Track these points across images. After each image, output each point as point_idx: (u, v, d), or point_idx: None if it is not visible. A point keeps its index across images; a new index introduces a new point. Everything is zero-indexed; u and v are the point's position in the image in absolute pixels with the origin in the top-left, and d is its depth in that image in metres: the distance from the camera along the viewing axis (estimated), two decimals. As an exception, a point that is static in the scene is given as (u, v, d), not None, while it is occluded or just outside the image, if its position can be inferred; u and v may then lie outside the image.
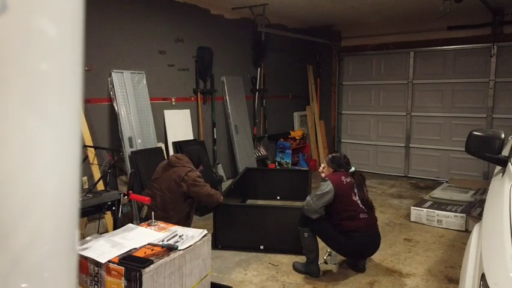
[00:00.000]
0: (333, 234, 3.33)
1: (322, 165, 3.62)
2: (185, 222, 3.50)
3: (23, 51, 0.54)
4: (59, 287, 0.61)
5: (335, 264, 3.63)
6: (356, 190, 3.33)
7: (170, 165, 3.60)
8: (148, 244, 2.42)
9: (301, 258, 3.58)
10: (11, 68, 0.54)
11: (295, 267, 3.53)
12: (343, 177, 3.34)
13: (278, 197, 5.52)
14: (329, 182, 3.29)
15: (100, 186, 3.77)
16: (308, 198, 3.39)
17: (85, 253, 2.27)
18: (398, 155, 7.37)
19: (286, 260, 3.71)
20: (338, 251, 3.46)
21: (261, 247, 3.92)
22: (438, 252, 3.92)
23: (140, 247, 2.37)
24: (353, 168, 3.45)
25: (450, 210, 4.62)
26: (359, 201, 3.30)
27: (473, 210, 4.59)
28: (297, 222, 3.46)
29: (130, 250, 2.33)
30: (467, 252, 1.85)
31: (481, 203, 4.66)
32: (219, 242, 3.96)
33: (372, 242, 3.38)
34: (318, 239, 3.44)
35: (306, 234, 3.39)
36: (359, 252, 3.41)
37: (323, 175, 3.51)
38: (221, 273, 3.45)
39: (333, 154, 3.61)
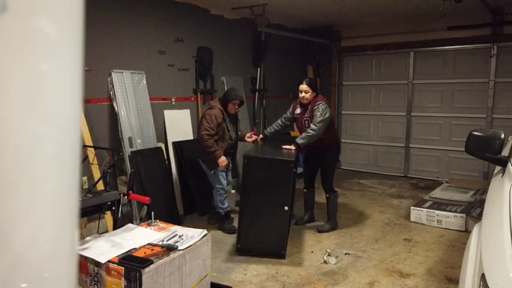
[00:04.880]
0: (334, 163, 4.54)
1: (302, 94, 4.30)
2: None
3: (23, 51, 0.54)
4: (59, 287, 0.61)
5: (335, 264, 3.63)
6: None
7: None
8: (148, 244, 2.42)
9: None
10: (11, 68, 0.54)
11: (323, 230, 4.38)
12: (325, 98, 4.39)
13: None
14: (326, 105, 4.19)
15: (100, 186, 3.77)
16: (315, 127, 4.05)
17: (85, 253, 2.27)
18: (398, 155, 7.37)
19: (286, 260, 3.71)
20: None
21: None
22: (438, 252, 3.92)
23: (140, 247, 2.38)
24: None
25: (450, 211, 4.61)
26: None
27: (473, 210, 4.59)
28: (328, 190, 4.39)
29: (129, 250, 2.33)
30: (467, 252, 1.85)
31: (481, 203, 4.66)
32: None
33: None
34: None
35: (332, 197, 4.41)
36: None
37: (306, 101, 4.27)
38: (221, 273, 3.45)
39: (309, 78, 4.50)
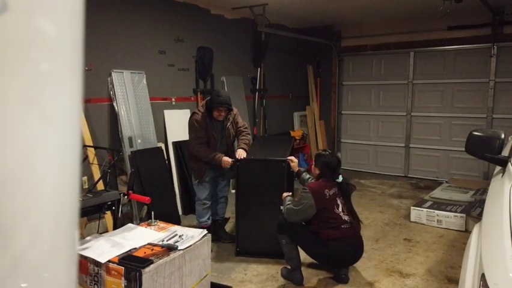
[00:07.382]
0: (310, 241, 3.17)
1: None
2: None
3: (23, 51, 0.54)
4: (59, 287, 0.61)
5: (335, 264, 3.63)
6: (339, 201, 3.16)
7: None
8: (148, 244, 2.43)
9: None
10: (11, 68, 0.54)
11: (281, 273, 3.33)
12: (326, 190, 3.12)
13: None
14: (310, 196, 3.07)
15: (100, 186, 3.77)
16: (289, 206, 3.20)
17: (85, 253, 2.27)
18: (398, 155, 7.37)
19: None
20: (315, 259, 3.35)
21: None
22: (438, 252, 3.92)
23: (140, 247, 2.38)
24: (340, 178, 3.22)
25: (450, 210, 4.61)
26: (341, 214, 3.14)
27: (473, 210, 4.59)
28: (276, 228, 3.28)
29: (129, 250, 2.33)
30: (467, 252, 1.85)
31: (481, 203, 4.65)
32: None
33: (353, 251, 3.22)
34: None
35: (283, 241, 3.23)
36: (337, 261, 3.24)
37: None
38: (221, 273, 3.45)
39: (324, 153, 3.33)
